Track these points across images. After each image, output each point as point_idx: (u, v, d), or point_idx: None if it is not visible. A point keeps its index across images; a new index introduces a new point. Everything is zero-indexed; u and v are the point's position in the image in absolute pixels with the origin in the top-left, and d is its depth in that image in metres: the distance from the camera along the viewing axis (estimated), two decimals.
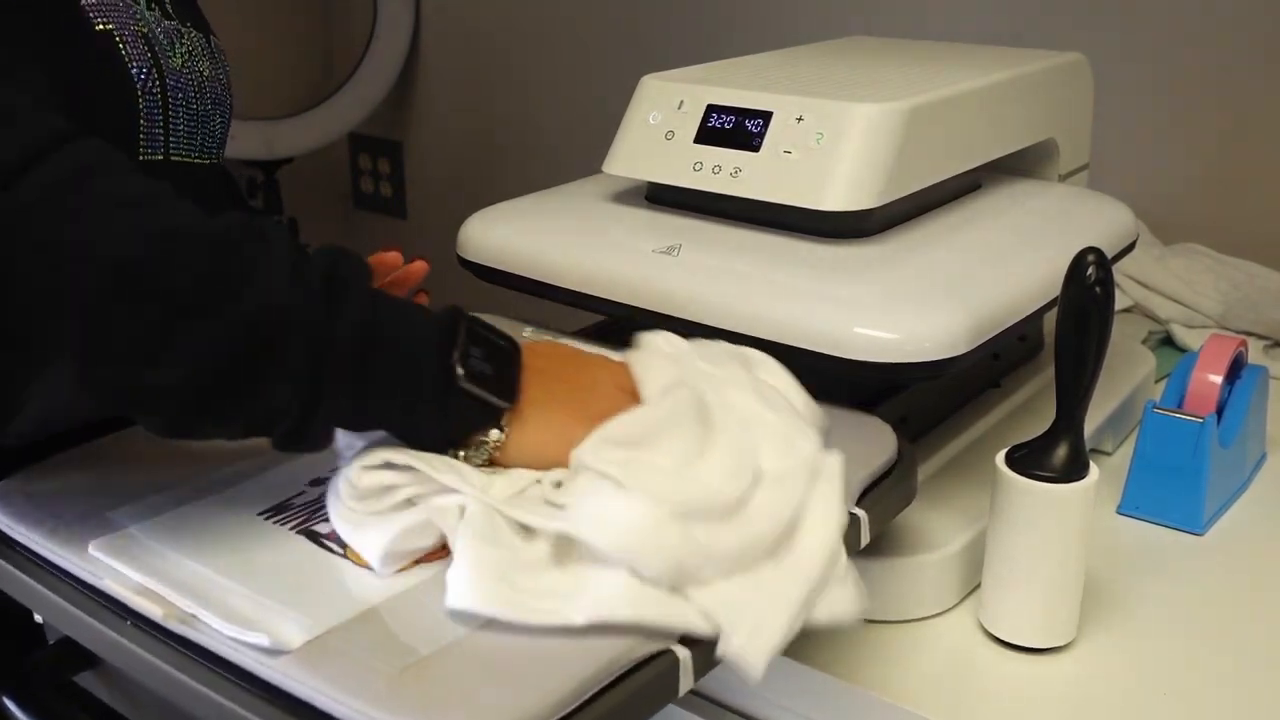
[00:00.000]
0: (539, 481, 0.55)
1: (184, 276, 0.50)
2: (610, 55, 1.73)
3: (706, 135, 0.75)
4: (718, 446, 0.55)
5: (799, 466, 0.55)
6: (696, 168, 0.75)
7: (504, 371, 0.56)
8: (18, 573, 0.57)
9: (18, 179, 0.49)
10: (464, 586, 0.50)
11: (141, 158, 0.74)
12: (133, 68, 0.72)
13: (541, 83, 1.83)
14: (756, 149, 0.73)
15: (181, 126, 0.77)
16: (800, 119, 0.73)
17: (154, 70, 0.73)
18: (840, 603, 0.54)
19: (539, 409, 0.56)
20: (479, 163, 1.96)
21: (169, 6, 0.80)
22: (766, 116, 0.74)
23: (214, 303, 0.50)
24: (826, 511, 0.55)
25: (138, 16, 0.74)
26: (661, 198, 0.81)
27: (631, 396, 0.59)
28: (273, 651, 0.47)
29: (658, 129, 0.77)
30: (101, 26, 0.71)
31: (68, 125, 0.52)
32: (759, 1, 1.56)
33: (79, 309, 0.49)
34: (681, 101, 0.77)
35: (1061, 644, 0.68)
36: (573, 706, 0.46)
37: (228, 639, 0.49)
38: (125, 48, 0.72)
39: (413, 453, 0.54)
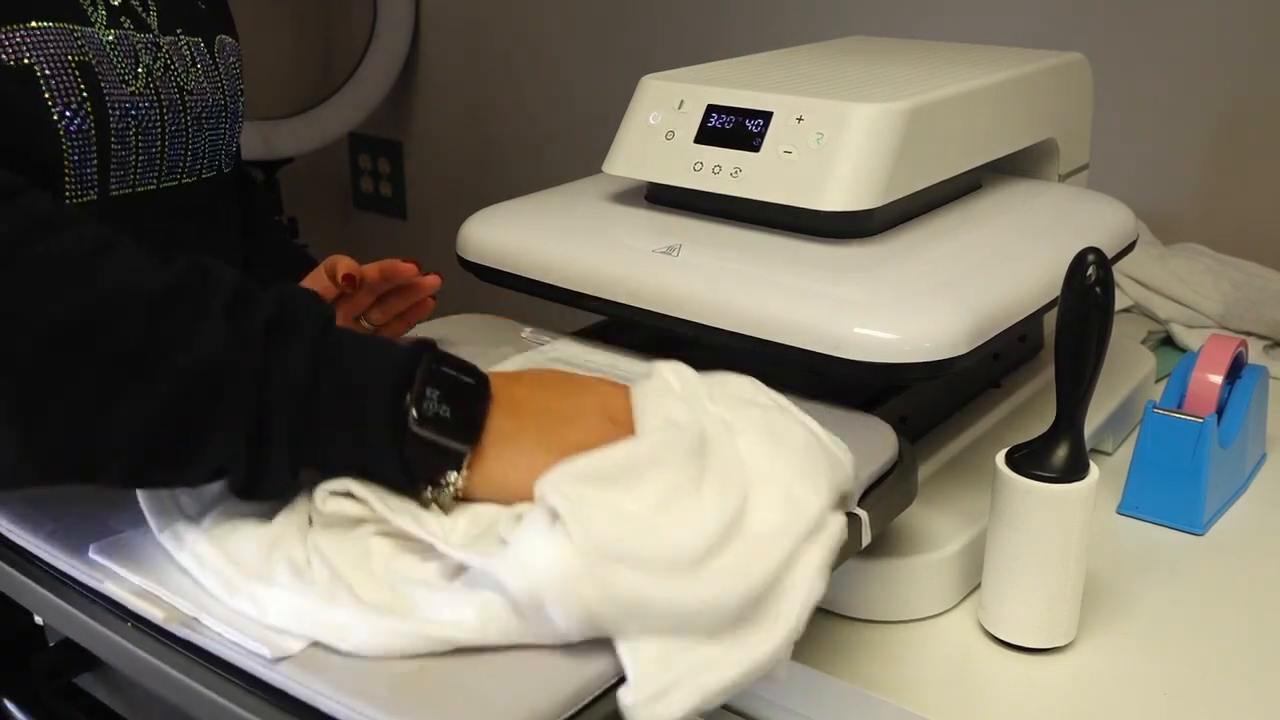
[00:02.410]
0: (499, 519, 0.53)
1: (121, 340, 0.49)
2: (610, 55, 1.73)
3: (706, 135, 0.75)
4: (700, 496, 0.51)
5: (794, 524, 0.51)
6: (696, 168, 0.75)
7: (465, 411, 0.54)
8: (19, 575, 0.57)
9: None
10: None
11: (69, 199, 0.69)
12: (56, 106, 0.67)
13: (541, 83, 1.83)
14: (756, 149, 0.73)
15: (134, 157, 0.72)
16: (800, 119, 0.73)
17: (86, 105, 0.68)
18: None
19: (506, 445, 0.54)
20: (479, 163, 1.96)
21: (150, 16, 0.76)
22: (766, 116, 0.74)
23: (151, 364, 0.49)
24: (802, 583, 0.50)
25: (80, 42, 0.69)
26: (661, 198, 0.81)
27: (623, 429, 0.55)
28: (272, 660, 0.47)
29: (658, 129, 0.78)
30: (19, 61, 0.66)
31: (15, 178, 0.51)
32: (759, 1, 1.56)
33: (16, 377, 0.48)
34: (681, 101, 0.77)
35: (1061, 644, 0.68)
36: (575, 708, 0.46)
37: (228, 642, 0.49)
38: (48, 84, 0.67)
39: (374, 490, 0.53)
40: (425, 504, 0.54)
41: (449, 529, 0.53)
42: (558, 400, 0.57)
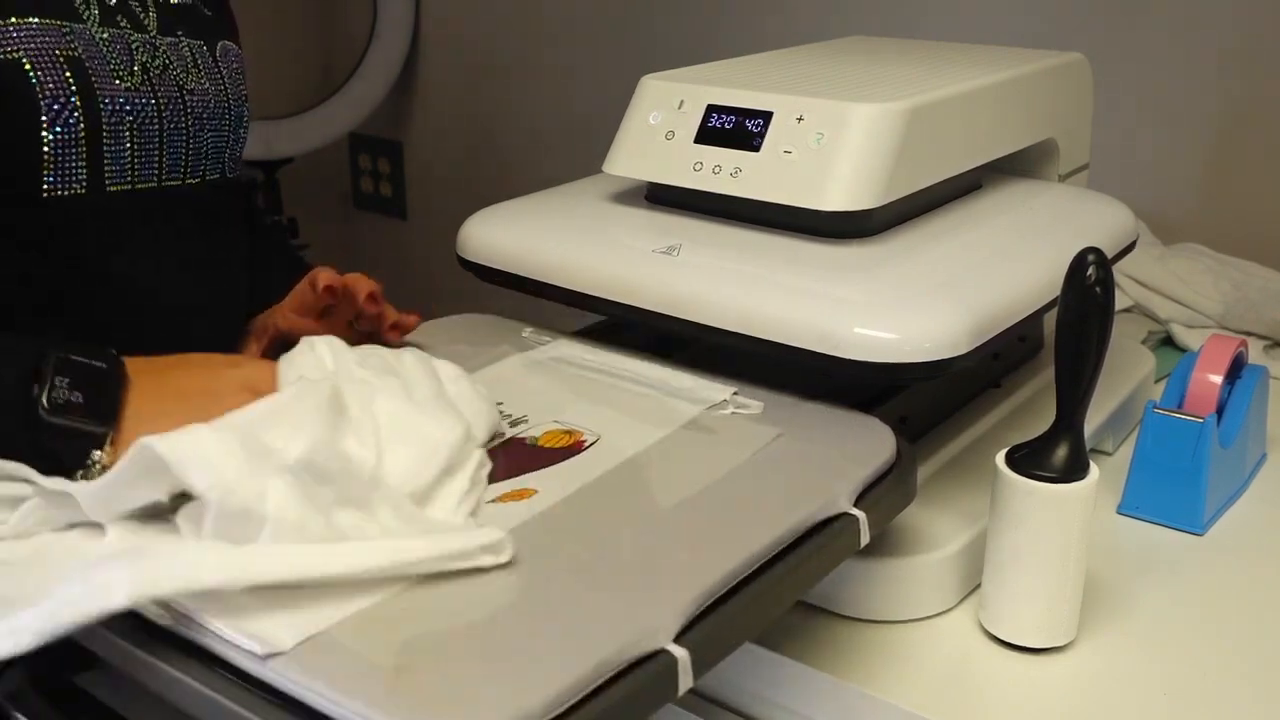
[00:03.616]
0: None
1: None
2: (610, 55, 1.73)
3: (706, 135, 0.75)
4: (338, 429, 0.55)
5: (428, 461, 0.56)
6: (696, 168, 0.75)
7: (99, 394, 0.57)
8: None
9: None
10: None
11: (49, 193, 0.70)
12: (44, 98, 0.68)
13: (541, 82, 1.83)
14: (756, 149, 0.73)
15: (130, 153, 0.73)
16: (800, 119, 0.73)
17: (75, 99, 0.69)
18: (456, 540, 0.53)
19: (146, 422, 0.56)
20: (479, 163, 1.96)
21: (147, 17, 0.76)
22: (766, 116, 0.74)
23: None
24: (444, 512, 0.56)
25: (69, 38, 0.70)
26: (661, 198, 0.81)
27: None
28: (265, 656, 0.47)
29: (658, 129, 0.77)
30: (6, 55, 0.67)
31: None
32: (759, 1, 1.56)
33: None
34: (681, 101, 0.77)
35: (1061, 644, 0.68)
36: (570, 704, 0.46)
37: (222, 639, 0.49)
38: (37, 75, 0.68)
39: (23, 469, 0.55)
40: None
41: None
42: (201, 380, 0.61)
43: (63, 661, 0.74)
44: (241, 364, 0.63)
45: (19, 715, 0.72)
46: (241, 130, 0.84)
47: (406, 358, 0.66)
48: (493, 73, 1.89)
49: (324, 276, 0.78)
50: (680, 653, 0.49)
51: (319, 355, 0.63)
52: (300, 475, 0.51)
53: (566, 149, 1.82)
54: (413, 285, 2.10)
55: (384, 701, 0.45)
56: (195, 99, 0.78)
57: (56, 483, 0.54)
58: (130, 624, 0.52)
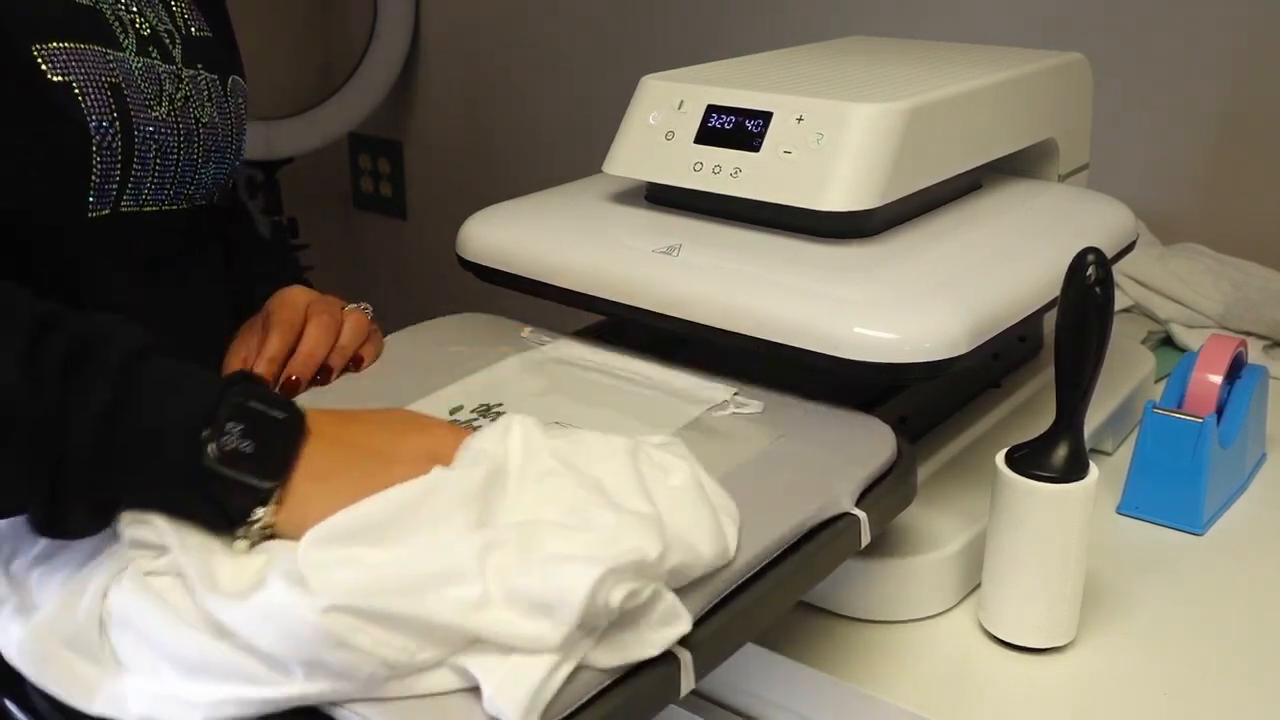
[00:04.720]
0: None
1: None
2: (610, 55, 1.73)
3: (706, 135, 0.75)
4: (470, 531, 0.49)
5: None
6: (696, 168, 0.75)
7: (271, 447, 0.52)
8: None
9: None
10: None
11: (90, 214, 0.70)
12: (91, 121, 0.68)
13: (541, 82, 1.83)
14: (756, 149, 0.73)
15: (150, 178, 0.73)
16: (800, 119, 0.73)
17: (116, 124, 0.70)
18: (649, 641, 0.48)
19: (319, 482, 0.52)
20: (479, 163, 1.96)
21: (174, 48, 0.77)
22: (766, 117, 0.74)
23: None
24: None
25: (111, 64, 0.71)
26: (661, 198, 0.81)
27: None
28: None
29: (658, 129, 0.77)
30: (58, 78, 0.67)
31: None
32: (759, 1, 1.56)
33: None
34: (681, 101, 0.77)
35: (1061, 644, 0.68)
36: (575, 707, 0.46)
37: None
38: (85, 100, 0.68)
39: (174, 525, 0.51)
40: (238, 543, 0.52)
41: (244, 570, 0.50)
42: (383, 440, 0.55)
43: None
44: (431, 429, 0.57)
45: (19, 715, 0.72)
46: (238, 163, 0.85)
47: (621, 461, 0.55)
48: (493, 73, 1.89)
49: (259, 368, 0.73)
50: (683, 654, 0.49)
51: (507, 437, 0.55)
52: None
53: (566, 149, 1.82)
54: (413, 285, 2.10)
55: (381, 703, 0.45)
56: (206, 132, 0.79)
57: (190, 558, 0.50)
58: None
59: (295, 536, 0.50)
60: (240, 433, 0.51)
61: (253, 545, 0.51)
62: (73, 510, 0.50)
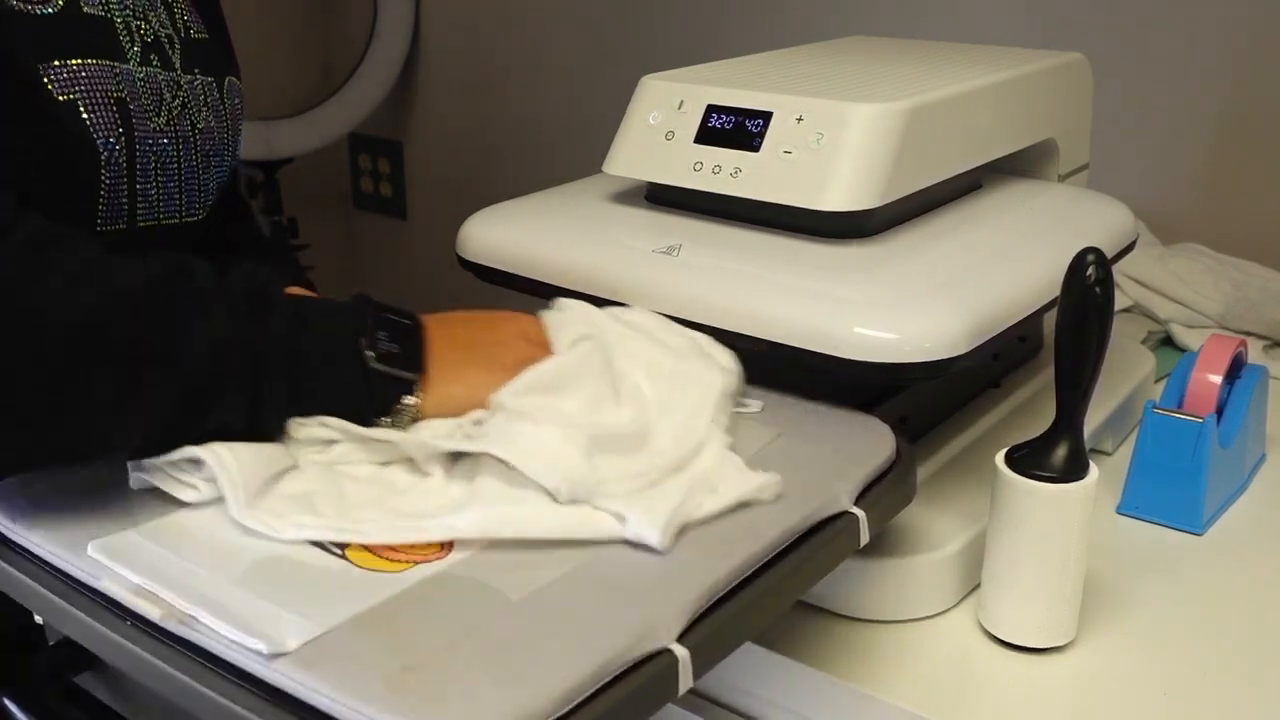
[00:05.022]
0: (460, 426, 0.63)
1: (136, 330, 0.56)
2: (610, 55, 1.73)
3: (706, 135, 0.75)
4: (619, 392, 0.63)
5: (691, 384, 0.64)
6: (696, 168, 0.75)
7: (409, 346, 0.64)
8: (17, 574, 0.57)
9: None
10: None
11: (100, 228, 0.71)
12: (98, 139, 0.69)
13: (541, 83, 1.83)
14: (756, 149, 0.73)
15: (154, 189, 0.74)
16: (800, 119, 0.73)
17: (122, 139, 0.71)
18: (741, 485, 0.59)
19: (449, 369, 0.64)
20: (479, 163, 1.96)
21: (174, 54, 0.77)
22: (766, 116, 0.74)
23: (168, 349, 0.56)
24: (702, 420, 0.63)
25: (118, 78, 0.71)
26: (661, 198, 0.81)
27: (542, 348, 0.66)
28: (270, 656, 0.47)
29: (658, 129, 0.78)
30: (64, 97, 0.68)
31: (12, 205, 0.58)
32: (759, 1, 1.56)
33: (42, 369, 0.53)
34: (681, 101, 0.77)
35: (1061, 644, 0.68)
36: (571, 705, 0.46)
37: (225, 639, 0.49)
38: (92, 118, 0.69)
39: (339, 422, 0.61)
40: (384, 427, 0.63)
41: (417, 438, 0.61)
42: (481, 332, 0.68)
43: (63, 661, 0.74)
44: (514, 318, 0.69)
45: (20, 715, 0.72)
46: (234, 165, 0.85)
47: (648, 318, 0.70)
48: (493, 73, 1.89)
49: None
50: (681, 653, 0.49)
51: (577, 315, 0.69)
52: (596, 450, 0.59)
53: (566, 149, 1.82)
54: (413, 285, 2.10)
55: (387, 702, 0.45)
56: (204, 138, 0.79)
57: (381, 432, 0.61)
58: (130, 624, 0.52)
59: (435, 415, 0.63)
60: (387, 337, 0.63)
61: (402, 428, 0.62)
62: (266, 420, 0.60)
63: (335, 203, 2.18)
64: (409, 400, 0.63)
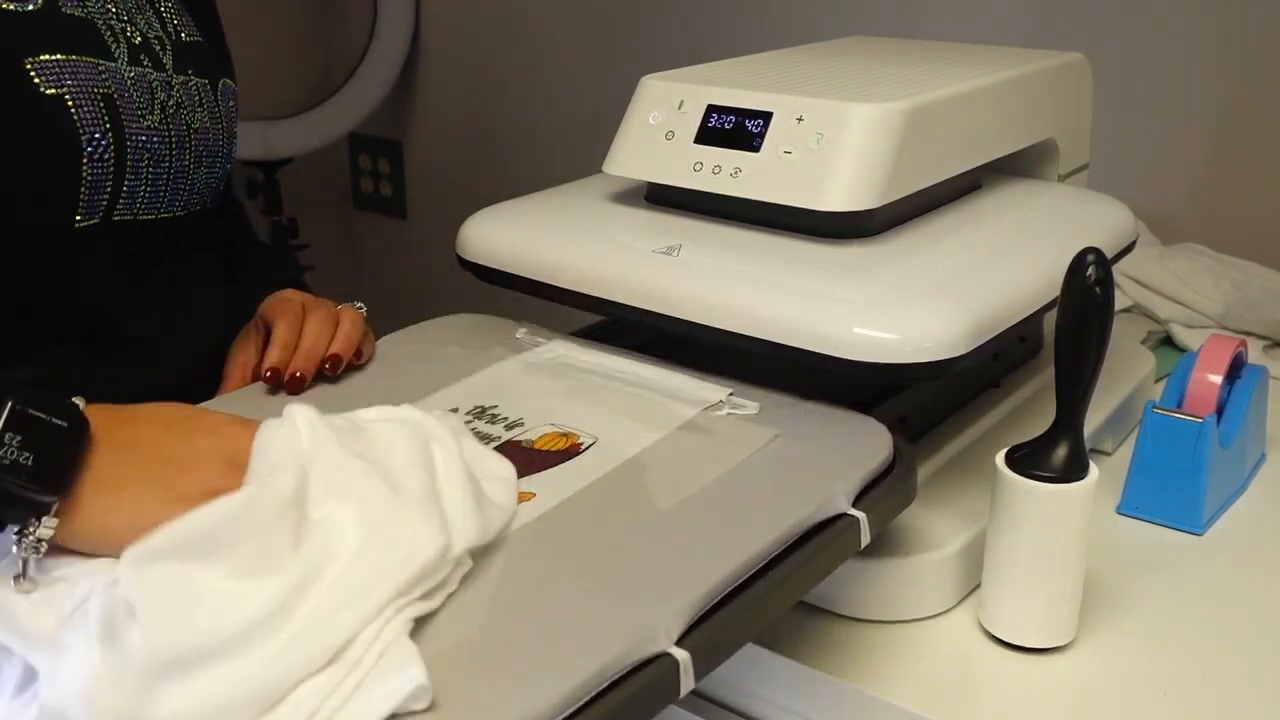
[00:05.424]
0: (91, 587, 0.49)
1: None
2: (610, 55, 1.73)
3: (706, 135, 0.75)
4: (301, 542, 0.49)
5: (387, 577, 0.49)
6: (696, 168, 0.75)
7: (53, 459, 0.50)
8: None
9: None
10: None
11: (78, 223, 0.71)
12: (84, 134, 0.69)
13: (542, 82, 1.83)
14: (756, 149, 0.73)
15: (143, 187, 0.74)
16: (800, 119, 0.73)
17: (109, 135, 0.71)
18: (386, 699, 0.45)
19: (108, 492, 0.51)
20: (479, 163, 1.96)
21: (165, 55, 0.77)
22: (766, 117, 0.74)
23: None
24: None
25: (104, 75, 0.71)
26: (661, 198, 0.81)
27: (240, 474, 0.53)
28: None
29: (658, 129, 0.77)
30: (51, 91, 0.68)
31: None
32: (759, 1, 1.56)
33: None
34: (681, 101, 0.77)
35: (1061, 644, 0.68)
36: (573, 708, 0.46)
37: None
38: (78, 112, 0.69)
39: None
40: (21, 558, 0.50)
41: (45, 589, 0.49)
42: (177, 444, 0.54)
43: None
44: (220, 429, 0.56)
45: None
46: (229, 167, 0.85)
47: (399, 441, 0.57)
48: (493, 72, 1.89)
49: (272, 357, 0.73)
50: (682, 655, 0.49)
51: (297, 434, 0.55)
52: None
53: (566, 149, 1.82)
54: (412, 285, 2.10)
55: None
56: (198, 138, 0.79)
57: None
58: None
59: (85, 548, 0.50)
60: (18, 444, 0.49)
61: (25, 559, 0.50)
62: None
63: (335, 203, 2.18)
64: (35, 526, 0.50)
